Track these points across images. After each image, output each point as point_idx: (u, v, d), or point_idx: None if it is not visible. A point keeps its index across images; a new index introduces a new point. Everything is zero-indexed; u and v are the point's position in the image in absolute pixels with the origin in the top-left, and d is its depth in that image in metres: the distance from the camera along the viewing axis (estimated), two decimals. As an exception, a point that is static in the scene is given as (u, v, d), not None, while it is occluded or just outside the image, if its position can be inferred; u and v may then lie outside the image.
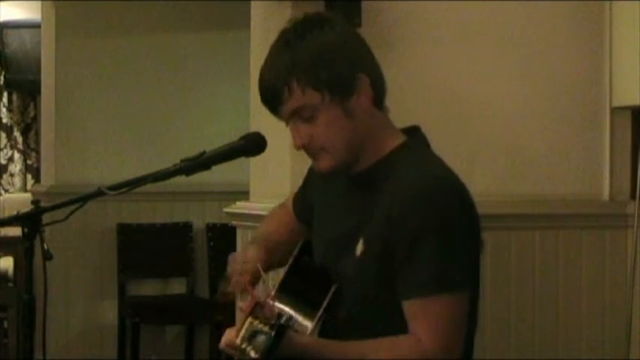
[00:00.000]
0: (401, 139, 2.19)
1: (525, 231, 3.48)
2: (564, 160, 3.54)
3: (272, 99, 2.11)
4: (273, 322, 1.96)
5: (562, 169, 3.54)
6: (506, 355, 3.43)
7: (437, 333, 2.03)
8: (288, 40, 2.11)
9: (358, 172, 2.18)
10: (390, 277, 2.08)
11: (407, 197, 2.06)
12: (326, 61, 2.08)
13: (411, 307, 2.06)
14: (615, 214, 3.54)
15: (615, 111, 3.55)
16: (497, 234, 3.40)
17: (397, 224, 2.05)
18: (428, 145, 2.24)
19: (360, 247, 2.12)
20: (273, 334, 1.93)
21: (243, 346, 1.97)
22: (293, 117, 2.12)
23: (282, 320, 1.98)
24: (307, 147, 2.14)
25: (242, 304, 2.12)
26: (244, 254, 2.38)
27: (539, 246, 3.49)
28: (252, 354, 1.95)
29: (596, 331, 3.54)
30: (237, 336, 1.99)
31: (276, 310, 2.03)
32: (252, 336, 1.97)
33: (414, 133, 2.23)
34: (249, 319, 2.01)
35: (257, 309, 2.03)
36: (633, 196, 3.50)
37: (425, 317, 2.04)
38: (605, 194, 3.56)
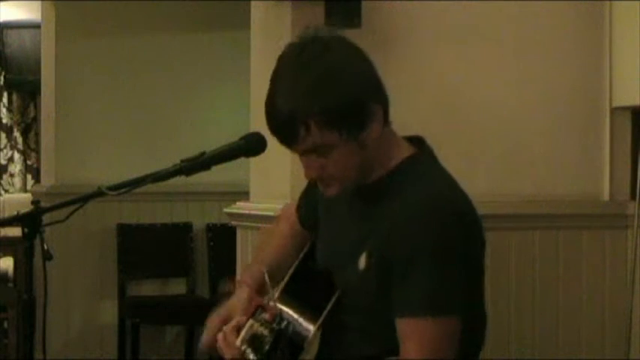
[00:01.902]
0: (407, 150, 2.17)
1: (525, 231, 3.48)
2: (564, 160, 3.54)
3: (286, 136, 2.05)
4: (273, 325, 1.96)
5: (562, 169, 3.54)
6: (506, 355, 3.43)
7: (425, 354, 2.03)
8: (299, 68, 2.04)
9: (365, 184, 2.16)
10: (389, 292, 2.07)
11: (408, 216, 2.05)
12: (346, 103, 2.02)
13: (402, 326, 2.06)
14: (615, 214, 3.54)
15: (615, 111, 3.55)
16: (497, 234, 3.40)
17: (397, 242, 2.05)
18: (435, 159, 2.22)
19: (363, 261, 2.11)
20: (272, 338, 1.94)
21: (243, 347, 1.98)
22: (306, 153, 2.09)
23: (283, 325, 1.98)
24: (318, 177, 2.12)
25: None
26: (230, 303, 2.31)
27: (539, 246, 3.49)
28: (251, 357, 1.96)
29: (596, 331, 3.54)
30: (237, 337, 1.99)
31: (277, 313, 2.03)
32: (252, 339, 1.97)
33: (420, 145, 2.21)
34: (250, 322, 2.01)
35: (258, 312, 2.03)
36: (633, 196, 3.50)
37: (414, 338, 2.04)
38: (605, 194, 3.56)
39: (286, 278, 2.25)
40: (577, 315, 3.52)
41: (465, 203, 2.13)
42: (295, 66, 2.04)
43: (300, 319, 2.14)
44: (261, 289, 2.26)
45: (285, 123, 2.02)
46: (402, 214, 2.06)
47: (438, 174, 2.17)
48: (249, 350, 1.97)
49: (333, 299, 2.14)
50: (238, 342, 1.99)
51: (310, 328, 2.12)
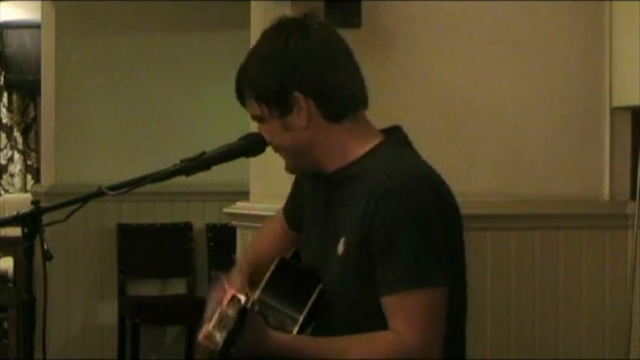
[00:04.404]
0: (375, 140, 2.20)
1: (525, 231, 3.48)
2: (564, 160, 3.54)
3: (238, 99, 2.26)
4: (239, 306, 1.96)
5: (562, 169, 3.54)
6: (506, 355, 3.43)
7: (414, 328, 2.04)
8: (256, 43, 2.24)
9: (331, 173, 2.21)
10: (371, 274, 2.09)
11: (381, 193, 2.07)
12: (263, 77, 2.17)
13: (388, 303, 2.06)
14: (615, 214, 3.54)
15: (615, 111, 3.56)
16: (497, 234, 3.40)
17: (373, 220, 2.06)
18: (407, 143, 2.25)
19: (341, 247, 2.13)
20: (236, 316, 1.94)
21: (213, 331, 1.99)
22: (253, 119, 2.25)
23: (248, 305, 1.98)
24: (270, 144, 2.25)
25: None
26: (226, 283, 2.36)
27: (539, 246, 3.49)
28: (218, 337, 1.97)
29: (596, 331, 3.54)
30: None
31: (248, 298, 2.03)
32: (220, 322, 1.98)
33: (393, 132, 2.25)
34: (222, 308, 2.02)
35: (234, 302, 2.04)
36: (633, 196, 3.50)
37: (402, 313, 2.05)
38: (605, 194, 3.57)
39: (267, 275, 2.25)
40: (577, 315, 3.52)
41: (436, 176, 2.16)
42: (258, 44, 2.24)
43: (283, 316, 2.14)
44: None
45: (236, 88, 2.25)
46: (375, 193, 2.07)
47: (405, 154, 2.20)
48: (216, 331, 1.98)
49: (315, 294, 2.15)
50: (210, 327, 2.00)
51: (293, 325, 2.12)
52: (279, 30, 2.21)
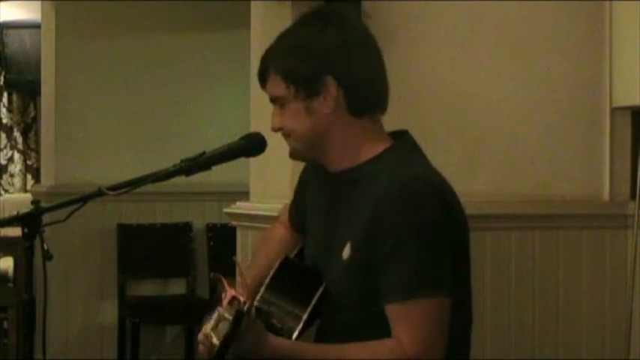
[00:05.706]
0: (386, 144, 2.20)
1: (525, 231, 3.48)
2: (564, 160, 3.54)
3: (260, 79, 2.24)
4: (236, 308, 1.97)
5: (562, 169, 3.54)
6: (506, 355, 3.43)
7: (417, 336, 2.04)
8: (289, 28, 2.22)
9: (339, 172, 2.20)
10: (375, 280, 2.08)
11: (387, 199, 2.07)
12: (298, 57, 2.16)
13: (391, 311, 2.07)
14: (615, 214, 3.54)
15: (615, 111, 3.55)
16: (497, 234, 3.40)
17: (378, 226, 2.06)
18: (415, 148, 2.25)
19: (347, 251, 2.13)
20: (232, 318, 1.94)
21: (211, 333, 1.99)
22: (273, 102, 2.22)
23: (245, 307, 1.98)
24: (281, 131, 2.23)
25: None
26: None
27: (539, 246, 3.49)
28: (214, 340, 1.97)
29: (596, 331, 3.54)
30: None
31: (245, 299, 2.04)
32: (218, 324, 1.99)
33: (400, 136, 2.25)
34: (218, 309, 2.03)
35: (234, 303, 2.04)
36: (633, 196, 3.50)
37: (405, 320, 2.05)
38: (605, 194, 3.56)
39: (271, 273, 2.25)
40: (577, 315, 3.52)
41: (444, 183, 2.16)
42: (294, 28, 2.24)
43: (286, 316, 2.15)
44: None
45: (260, 66, 2.23)
46: (381, 198, 2.07)
47: (413, 160, 2.20)
48: (212, 334, 1.99)
49: (317, 295, 2.15)
50: (208, 329, 2.01)
51: (296, 324, 2.12)
52: (317, 18, 2.21)
